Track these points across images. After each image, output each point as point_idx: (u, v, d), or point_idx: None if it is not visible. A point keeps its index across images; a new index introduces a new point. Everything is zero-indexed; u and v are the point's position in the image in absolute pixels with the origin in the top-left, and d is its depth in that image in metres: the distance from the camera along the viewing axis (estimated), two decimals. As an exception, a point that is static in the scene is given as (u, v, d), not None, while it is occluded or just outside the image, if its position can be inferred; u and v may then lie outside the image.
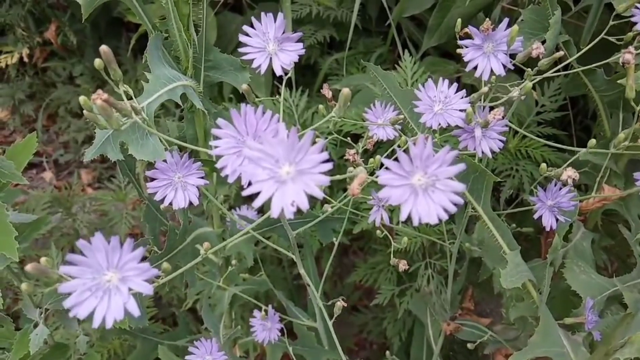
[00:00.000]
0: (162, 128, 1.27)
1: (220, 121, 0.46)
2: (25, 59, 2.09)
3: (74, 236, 1.56)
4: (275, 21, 0.56)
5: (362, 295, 1.55)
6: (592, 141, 0.68)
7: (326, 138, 1.05)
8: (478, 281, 1.03)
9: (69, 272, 0.37)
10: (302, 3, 1.40)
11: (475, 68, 0.66)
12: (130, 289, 0.37)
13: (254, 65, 0.56)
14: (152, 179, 0.61)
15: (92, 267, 0.37)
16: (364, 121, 0.78)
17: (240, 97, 1.39)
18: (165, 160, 0.60)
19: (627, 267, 1.14)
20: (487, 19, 0.65)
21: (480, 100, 0.68)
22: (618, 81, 0.83)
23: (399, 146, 0.71)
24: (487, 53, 0.66)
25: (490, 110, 0.66)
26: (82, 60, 2.15)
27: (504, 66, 0.65)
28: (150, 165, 0.62)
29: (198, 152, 0.69)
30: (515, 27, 0.62)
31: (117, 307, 0.36)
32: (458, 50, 0.68)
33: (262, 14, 0.56)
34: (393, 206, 0.81)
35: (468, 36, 0.67)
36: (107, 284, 0.37)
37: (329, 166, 0.36)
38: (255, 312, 0.86)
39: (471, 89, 1.14)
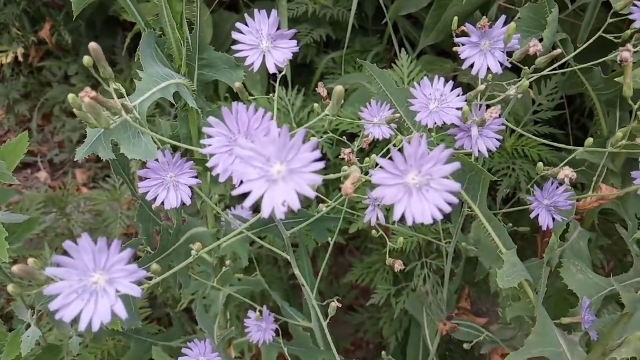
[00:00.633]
0: (157, 127, 1.26)
1: (211, 119, 0.45)
2: (20, 58, 2.08)
3: (68, 236, 1.55)
4: (268, 18, 0.56)
5: (358, 294, 1.55)
6: (589, 140, 0.67)
7: (322, 137, 1.04)
8: (474, 280, 1.03)
9: (55, 274, 0.36)
10: (298, 2, 1.40)
11: (472, 66, 0.66)
12: (117, 291, 0.37)
13: (247, 62, 0.55)
14: (144, 178, 0.60)
15: (79, 268, 0.36)
16: (360, 120, 0.77)
17: (235, 96, 1.38)
18: (157, 160, 0.59)
19: (624, 265, 1.13)
20: (484, 16, 0.64)
21: (477, 98, 0.67)
22: (615, 79, 0.83)
23: (394, 145, 0.71)
24: (483, 51, 0.65)
25: (486, 109, 0.65)
26: (77, 60, 2.13)
27: (501, 64, 0.65)
28: (145, 164, 0.61)
29: (192, 150, 0.69)
30: (513, 24, 0.61)
31: (104, 309, 0.36)
32: (454, 48, 0.67)
33: (256, 11, 0.56)
34: (389, 205, 0.80)
35: (465, 34, 0.66)
36: (94, 286, 0.36)
37: (320, 165, 0.36)
38: (250, 313, 0.86)
39: (467, 87, 1.14)
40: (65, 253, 0.37)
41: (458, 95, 0.63)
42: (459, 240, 0.89)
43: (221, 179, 0.44)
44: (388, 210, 0.89)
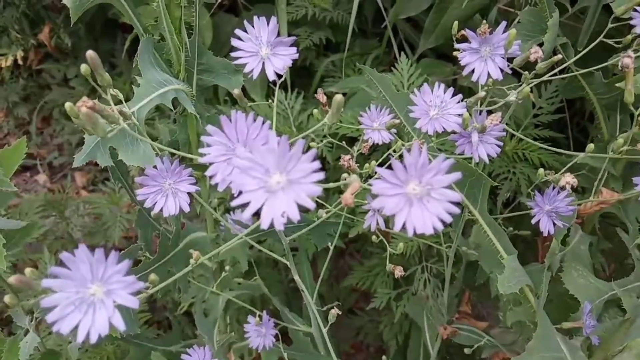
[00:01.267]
0: (157, 131, 1.25)
1: (210, 128, 0.44)
2: (20, 62, 2.08)
3: (67, 240, 1.54)
4: (268, 25, 0.55)
5: (358, 298, 1.54)
6: (591, 146, 0.67)
7: (321, 141, 1.03)
8: (475, 285, 1.02)
9: (52, 286, 0.35)
10: (297, 5, 1.39)
11: (472, 72, 0.65)
12: (115, 302, 0.36)
13: (247, 70, 0.55)
14: (143, 186, 0.60)
15: (76, 280, 0.36)
16: (360, 124, 0.77)
17: (235, 99, 1.38)
18: (155, 167, 0.59)
19: (625, 269, 1.13)
20: (484, 21, 0.64)
21: (477, 104, 0.67)
22: (617, 85, 0.82)
23: (394, 151, 0.70)
24: (484, 57, 0.65)
25: (487, 115, 0.65)
26: (77, 62, 2.13)
27: (502, 70, 0.64)
28: (143, 171, 0.61)
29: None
30: (514, 30, 0.61)
31: (102, 321, 0.35)
32: (455, 54, 0.67)
33: (255, 17, 0.55)
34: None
35: (465, 38, 0.66)
36: (91, 298, 0.36)
37: (320, 176, 0.35)
38: (250, 318, 0.85)
39: (468, 91, 1.13)
40: (62, 264, 0.36)
41: (458, 102, 0.63)
42: (460, 245, 0.89)
43: (220, 189, 0.44)
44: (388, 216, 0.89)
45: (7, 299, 0.41)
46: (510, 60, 0.65)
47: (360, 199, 0.77)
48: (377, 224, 0.73)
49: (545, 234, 0.72)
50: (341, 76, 1.40)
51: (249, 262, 0.96)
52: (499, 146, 0.66)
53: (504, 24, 0.63)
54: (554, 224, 0.73)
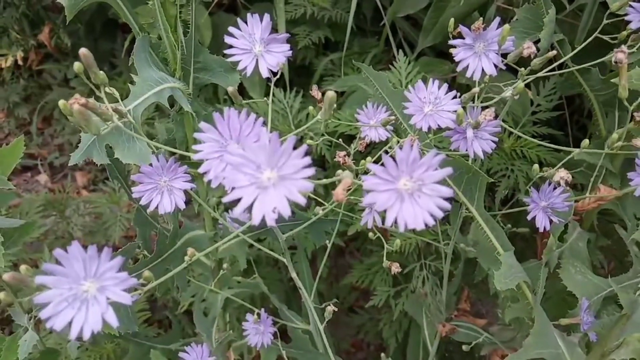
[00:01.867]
0: (156, 131, 1.26)
1: (203, 125, 0.45)
2: (20, 62, 2.08)
3: (67, 239, 1.55)
4: (261, 22, 0.55)
5: (358, 296, 1.54)
6: (586, 141, 0.67)
7: (319, 139, 1.04)
8: (474, 282, 1.02)
9: (46, 282, 0.36)
10: (296, 4, 1.39)
11: (467, 68, 0.65)
12: (108, 299, 0.36)
13: (240, 67, 0.55)
14: (138, 183, 0.60)
15: (70, 276, 0.36)
16: (358, 122, 0.77)
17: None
18: (151, 164, 0.59)
19: (625, 267, 1.13)
20: (480, 18, 0.64)
21: (473, 100, 0.67)
22: (612, 80, 0.82)
23: (390, 147, 0.70)
24: (478, 53, 0.65)
25: (482, 111, 0.65)
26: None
27: (496, 66, 0.64)
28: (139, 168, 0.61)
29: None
30: (507, 26, 0.61)
31: (95, 318, 0.36)
32: (450, 50, 0.67)
33: (249, 14, 0.56)
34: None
35: (461, 36, 0.66)
36: (84, 294, 0.36)
37: (311, 171, 0.35)
38: (248, 316, 0.86)
39: (467, 88, 1.13)
40: (57, 261, 0.37)
41: (453, 98, 0.63)
42: (458, 242, 0.89)
43: (213, 185, 0.44)
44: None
45: (1, 295, 0.41)
46: (504, 56, 0.65)
47: (358, 196, 0.77)
48: (374, 221, 0.73)
49: (542, 230, 0.72)
50: (340, 75, 1.40)
51: (248, 260, 0.96)
52: (494, 142, 0.66)
53: (497, 19, 0.63)
54: (550, 220, 0.73)
